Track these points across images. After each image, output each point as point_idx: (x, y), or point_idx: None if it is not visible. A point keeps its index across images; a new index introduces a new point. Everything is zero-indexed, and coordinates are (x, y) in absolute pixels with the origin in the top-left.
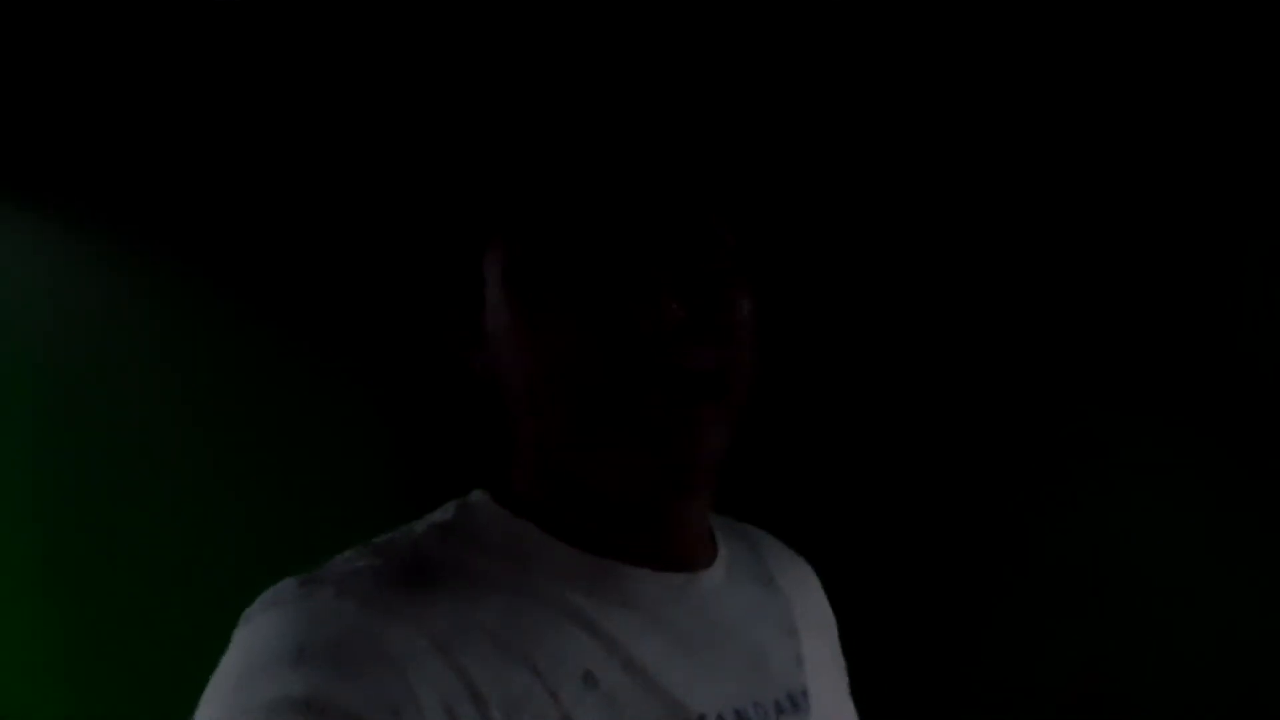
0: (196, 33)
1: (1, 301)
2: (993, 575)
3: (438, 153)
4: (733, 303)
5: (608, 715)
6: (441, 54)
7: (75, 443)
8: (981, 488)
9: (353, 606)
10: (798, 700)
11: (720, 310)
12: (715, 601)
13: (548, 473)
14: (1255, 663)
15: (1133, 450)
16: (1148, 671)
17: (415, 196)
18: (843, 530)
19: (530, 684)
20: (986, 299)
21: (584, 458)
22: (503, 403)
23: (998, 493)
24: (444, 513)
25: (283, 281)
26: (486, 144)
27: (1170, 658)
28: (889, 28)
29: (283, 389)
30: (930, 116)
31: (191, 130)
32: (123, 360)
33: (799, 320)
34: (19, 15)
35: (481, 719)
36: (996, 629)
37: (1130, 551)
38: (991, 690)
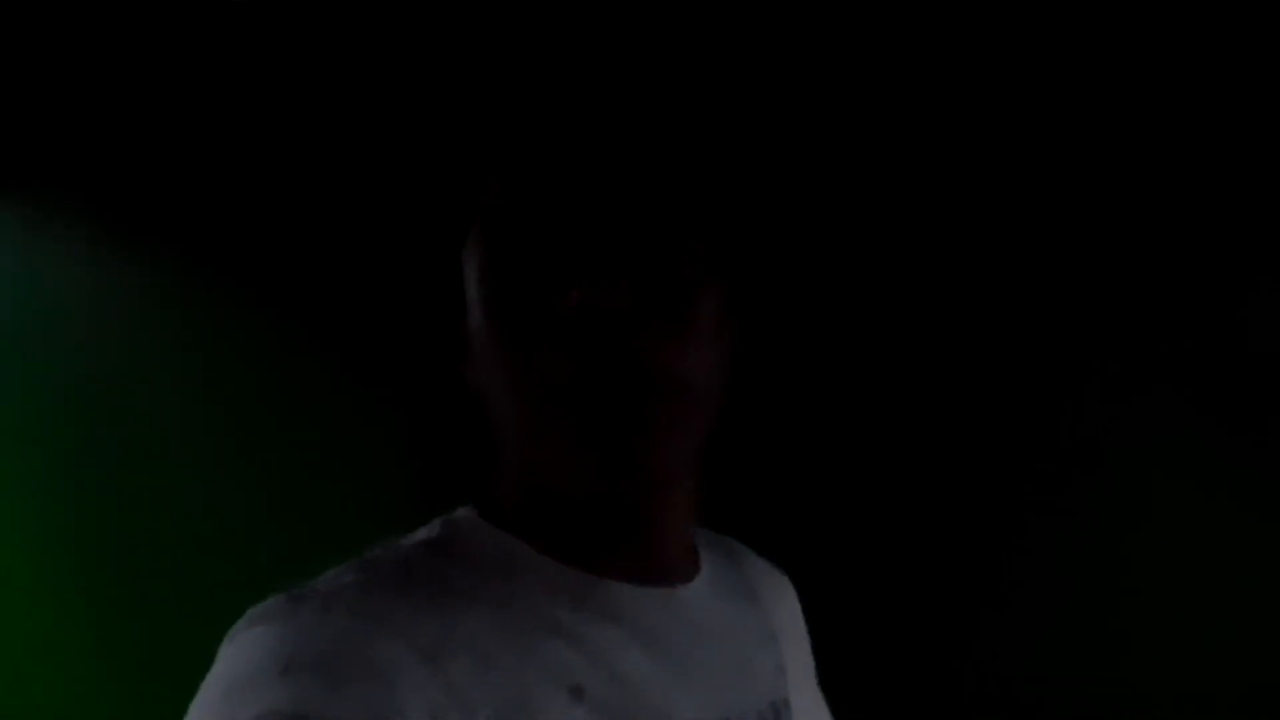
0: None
1: (30, 305)
2: (990, 580)
3: (427, 160)
4: (695, 304)
5: None
6: (420, 52)
7: (106, 447)
8: (979, 490)
9: (340, 619)
10: (780, 710)
11: (682, 310)
12: (698, 613)
13: (528, 482)
14: (1262, 669)
15: (1133, 448)
16: (1147, 682)
17: (414, 205)
18: (839, 534)
19: (517, 697)
20: (983, 293)
21: (551, 460)
22: (488, 412)
23: (995, 496)
24: (430, 529)
25: (309, 285)
26: (465, 150)
27: (1173, 666)
28: (880, 25)
29: (309, 390)
30: (932, 113)
31: (217, 137)
32: (154, 366)
33: (794, 321)
34: (56, 19)
35: None
36: (993, 636)
37: (1130, 555)
38: (986, 699)
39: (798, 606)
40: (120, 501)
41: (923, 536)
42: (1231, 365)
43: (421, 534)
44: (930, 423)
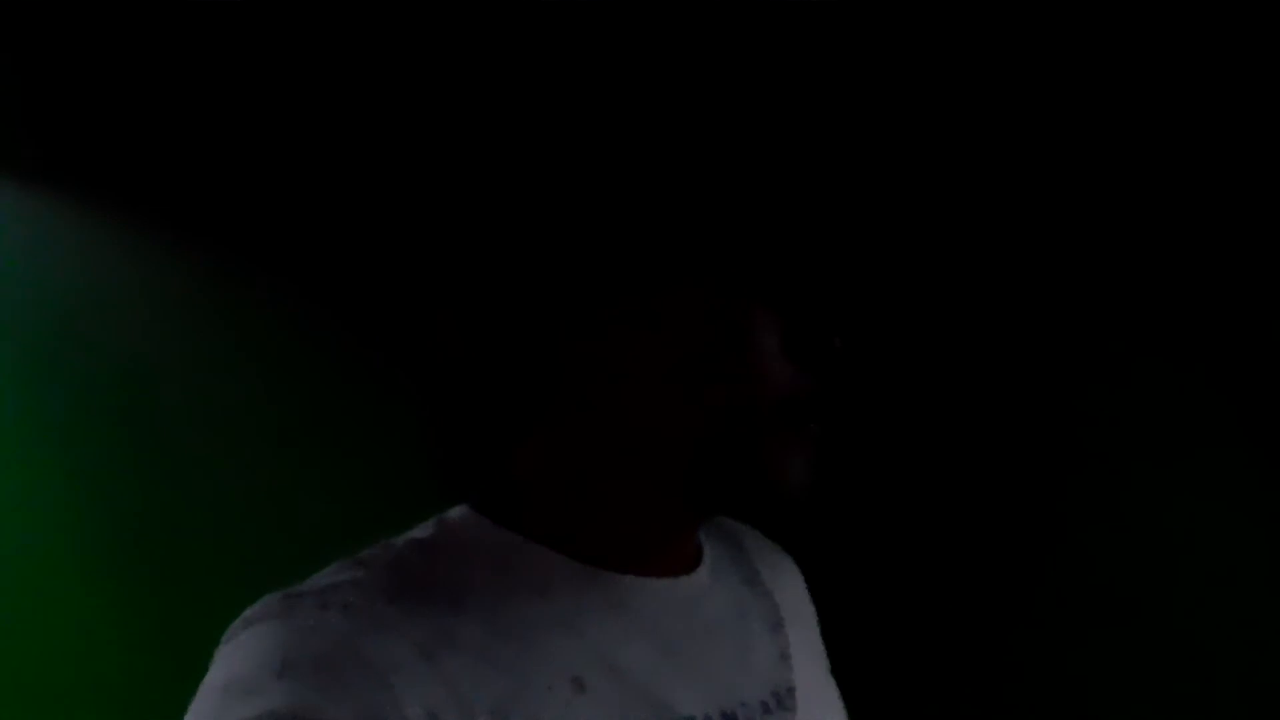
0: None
1: (65, 299)
2: (993, 577)
3: (445, 150)
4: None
5: None
6: (439, 46)
7: (147, 440)
8: (987, 487)
9: (336, 618)
10: (784, 698)
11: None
12: (701, 603)
13: (526, 475)
14: (1266, 670)
15: (1143, 446)
16: (1154, 682)
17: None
18: (856, 533)
19: (517, 690)
20: (1000, 289)
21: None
22: (490, 407)
23: (1002, 492)
24: (423, 528)
25: (337, 279)
26: (486, 138)
27: (1178, 666)
28: (894, 32)
29: (348, 386)
30: (932, 116)
31: (243, 133)
32: (187, 362)
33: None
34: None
35: None
36: (997, 631)
37: (1138, 552)
38: (988, 694)
39: (804, 588)
40: (150, 494)
41: (928, 532)
42: (1250, 369)
43: (416, 531)
44: (941, 420)
